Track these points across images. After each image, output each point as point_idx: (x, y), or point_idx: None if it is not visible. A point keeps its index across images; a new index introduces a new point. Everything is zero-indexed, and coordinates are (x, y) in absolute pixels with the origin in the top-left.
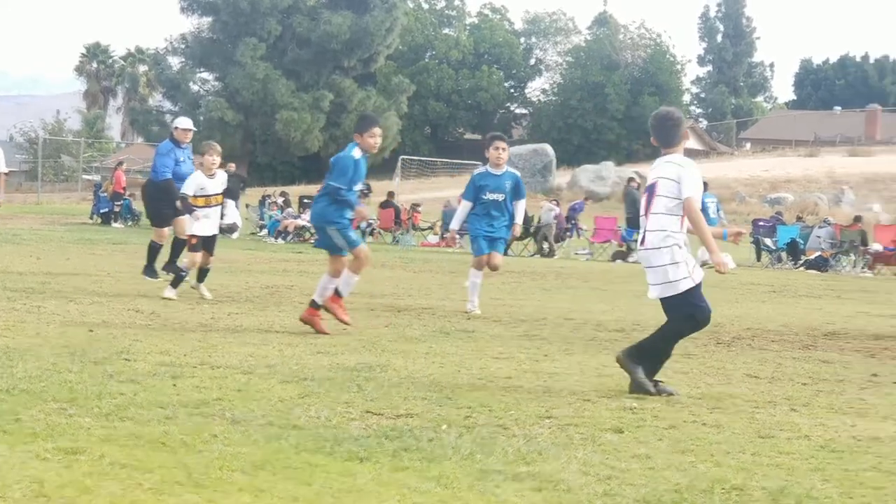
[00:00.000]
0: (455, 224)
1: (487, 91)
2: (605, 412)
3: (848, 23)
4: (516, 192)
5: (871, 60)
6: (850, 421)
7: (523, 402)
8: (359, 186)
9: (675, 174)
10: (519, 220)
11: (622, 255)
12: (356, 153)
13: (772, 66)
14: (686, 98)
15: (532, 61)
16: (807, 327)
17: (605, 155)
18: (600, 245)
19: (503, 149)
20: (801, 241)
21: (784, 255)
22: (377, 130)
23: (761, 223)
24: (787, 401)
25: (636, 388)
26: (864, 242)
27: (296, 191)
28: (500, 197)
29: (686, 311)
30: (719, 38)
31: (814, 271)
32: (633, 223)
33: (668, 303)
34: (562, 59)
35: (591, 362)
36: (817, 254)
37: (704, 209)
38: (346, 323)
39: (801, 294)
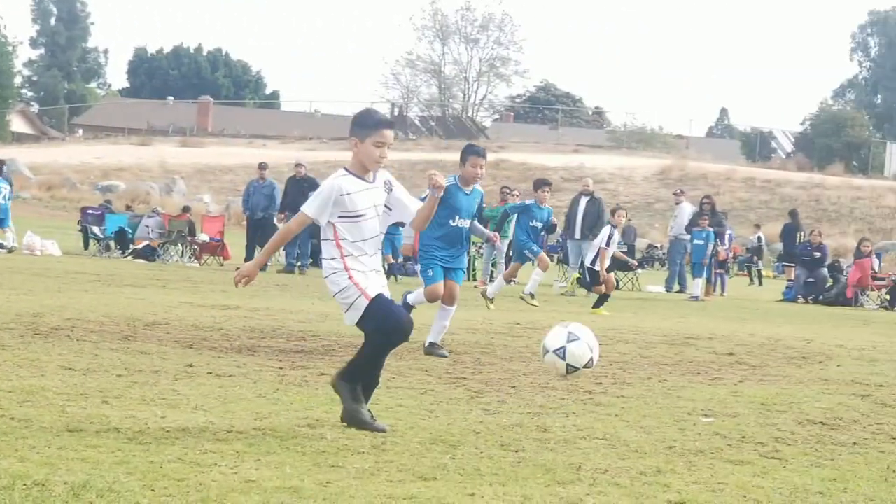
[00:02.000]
0: None
1: None
2: None
3: (182, 14)
4: None
5: (205, 52)
6: (161, 412)
7: None
8: None
9: None
10: None
11: None
12: None
13: (106, 52)
14: (18, 81)
15: None
16: (128, 317)
17: None
18: None
19: None
20: (130, 230)
21: (112, 243)
22: None
23: (90, 211)
24: (100, 393)
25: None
26: (193, 232)
27: None
28: None
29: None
30: (53, 21)
31: (142, 261)
32: None
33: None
34: None
35: None
36: (145, 243)
37: None
38: None
39: (127, 283)
